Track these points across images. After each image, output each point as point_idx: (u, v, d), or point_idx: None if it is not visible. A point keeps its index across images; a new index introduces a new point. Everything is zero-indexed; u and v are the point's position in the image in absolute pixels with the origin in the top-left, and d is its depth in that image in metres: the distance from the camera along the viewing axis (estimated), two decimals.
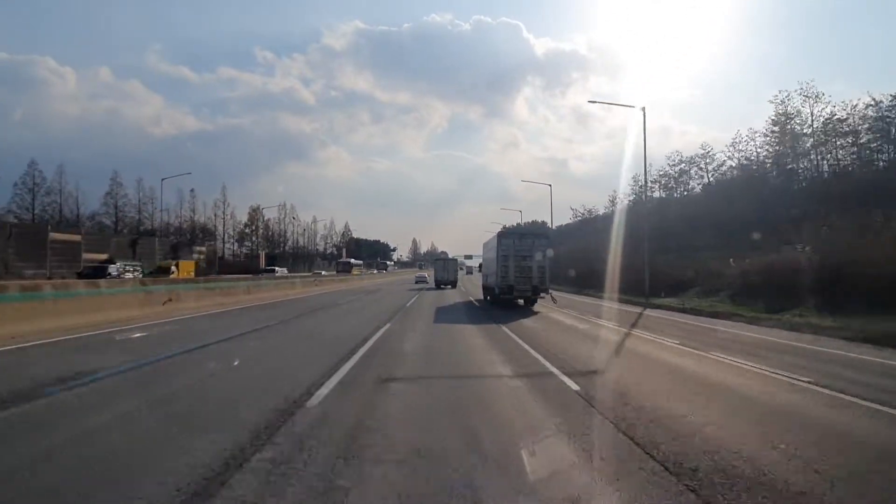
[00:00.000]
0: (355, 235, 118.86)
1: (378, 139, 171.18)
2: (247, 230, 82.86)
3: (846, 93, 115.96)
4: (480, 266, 30.64)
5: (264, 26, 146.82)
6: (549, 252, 20.61)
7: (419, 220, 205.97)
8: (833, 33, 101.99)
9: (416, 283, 49.25)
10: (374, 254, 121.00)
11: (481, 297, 26.32)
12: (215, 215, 77.26)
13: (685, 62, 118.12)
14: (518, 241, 20.86)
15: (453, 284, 42.33)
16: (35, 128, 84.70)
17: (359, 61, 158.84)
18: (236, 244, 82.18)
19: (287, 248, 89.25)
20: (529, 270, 20.15)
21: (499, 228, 38.07)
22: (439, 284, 42.14)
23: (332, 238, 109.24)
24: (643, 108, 25.12)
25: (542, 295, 20.59)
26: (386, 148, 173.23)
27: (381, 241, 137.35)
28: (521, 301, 21.44)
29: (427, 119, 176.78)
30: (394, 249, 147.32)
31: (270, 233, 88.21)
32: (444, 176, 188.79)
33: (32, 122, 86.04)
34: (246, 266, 58.21)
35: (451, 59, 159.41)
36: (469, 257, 77.10)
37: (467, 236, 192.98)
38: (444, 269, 43.47)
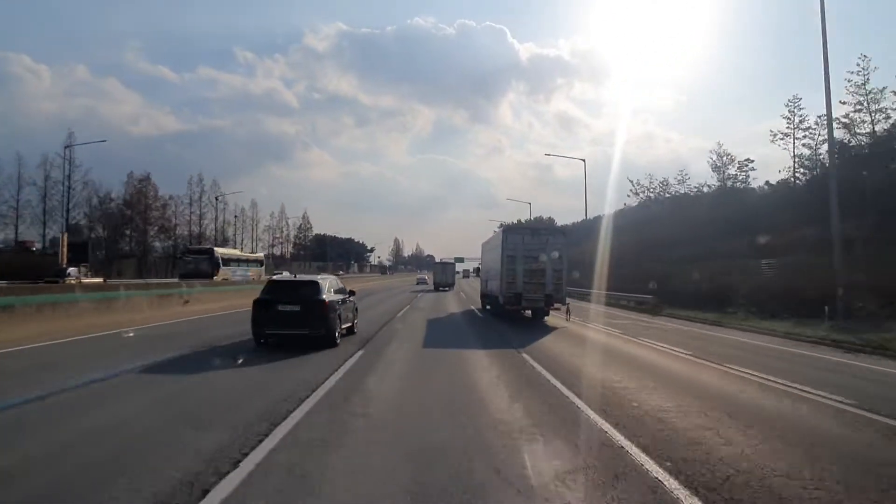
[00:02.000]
0: (332, 234, 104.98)
1: (362, 143, 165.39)
2: (127, 212, 57.47)
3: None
4: (477, 269, 26.67)
5: (244, 26, 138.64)
6: (555, 254, 16.61)
7: (404, 224, 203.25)
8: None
9: (417, 283, 57.15)
10: (345, 254, 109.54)
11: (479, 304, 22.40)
12: (47, 178, 49.49)
13: (670, 69, 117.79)
14: (528, 237, 16.97)
15: (451, 286, 46.42)
16: (10, 125, 76.13)
17: (342, 64, 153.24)
18: (105, 231, 54.62)
19: (205, 238, 62.56)
20: (542, 275, 16.29)
21: (496, 227, 34.09)
22: (438, 286, 46.03)
23: (282, 231, 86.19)
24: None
25: (556, 306, 16.70)
26: (370, 152, 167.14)
27: (356, 239, 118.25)
28: (527, 312, 17.59)
29: (411, 123, 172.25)
30: (371, 250, 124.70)
31: (170, 217, 62.72)
32: (429, 180, 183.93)
33: (9, 118, 77.46)
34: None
35: (435, 63, 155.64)
36: (460, 260, 73.91)
37: (453, 240, 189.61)
38: (442, 273, 48.51)
